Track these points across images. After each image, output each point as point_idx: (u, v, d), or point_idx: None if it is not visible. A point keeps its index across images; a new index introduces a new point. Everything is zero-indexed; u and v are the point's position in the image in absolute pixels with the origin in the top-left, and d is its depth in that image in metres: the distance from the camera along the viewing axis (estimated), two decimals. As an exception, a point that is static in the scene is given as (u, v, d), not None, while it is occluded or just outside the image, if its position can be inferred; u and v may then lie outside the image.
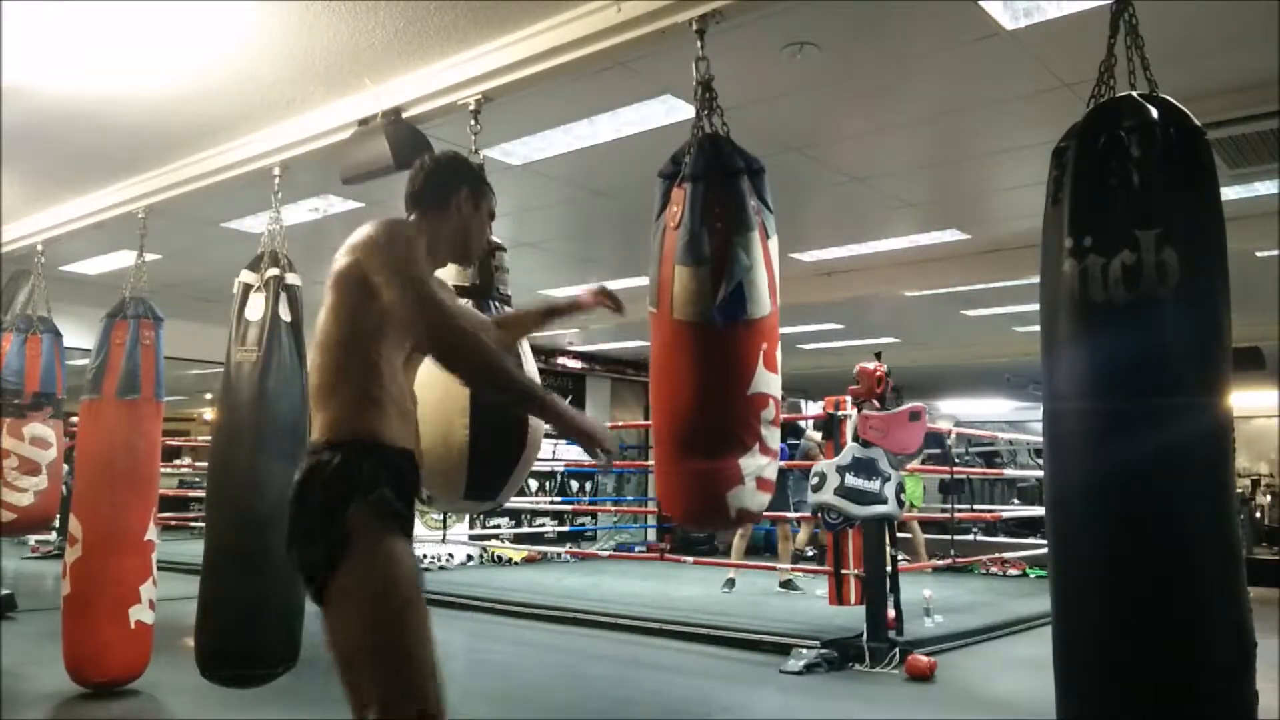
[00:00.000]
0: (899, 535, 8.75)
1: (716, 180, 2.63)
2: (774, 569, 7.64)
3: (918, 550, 8.96)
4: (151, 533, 4.49)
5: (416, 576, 1.92)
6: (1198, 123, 1.98)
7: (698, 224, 2.59)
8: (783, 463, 6.94)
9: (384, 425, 1.96)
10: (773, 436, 2.76)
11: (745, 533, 7.84)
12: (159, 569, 4.56)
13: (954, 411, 12.97)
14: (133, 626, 4.36)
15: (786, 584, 7.58)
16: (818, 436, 6.84)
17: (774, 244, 2.70)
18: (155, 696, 4.44)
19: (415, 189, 2.22)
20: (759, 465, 2.68)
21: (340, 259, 2.01)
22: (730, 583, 7.67)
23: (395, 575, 1.87)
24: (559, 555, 10.55)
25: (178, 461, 12.61)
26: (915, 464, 7.01)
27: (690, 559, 8.05)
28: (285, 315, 3.79)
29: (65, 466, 5.64)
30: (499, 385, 1.99)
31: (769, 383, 2.66)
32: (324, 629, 1.90)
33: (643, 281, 2.76)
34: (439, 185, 2.21)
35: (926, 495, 10.95)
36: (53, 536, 10.41)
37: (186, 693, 4.44)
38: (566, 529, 12.21)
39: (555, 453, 11.30)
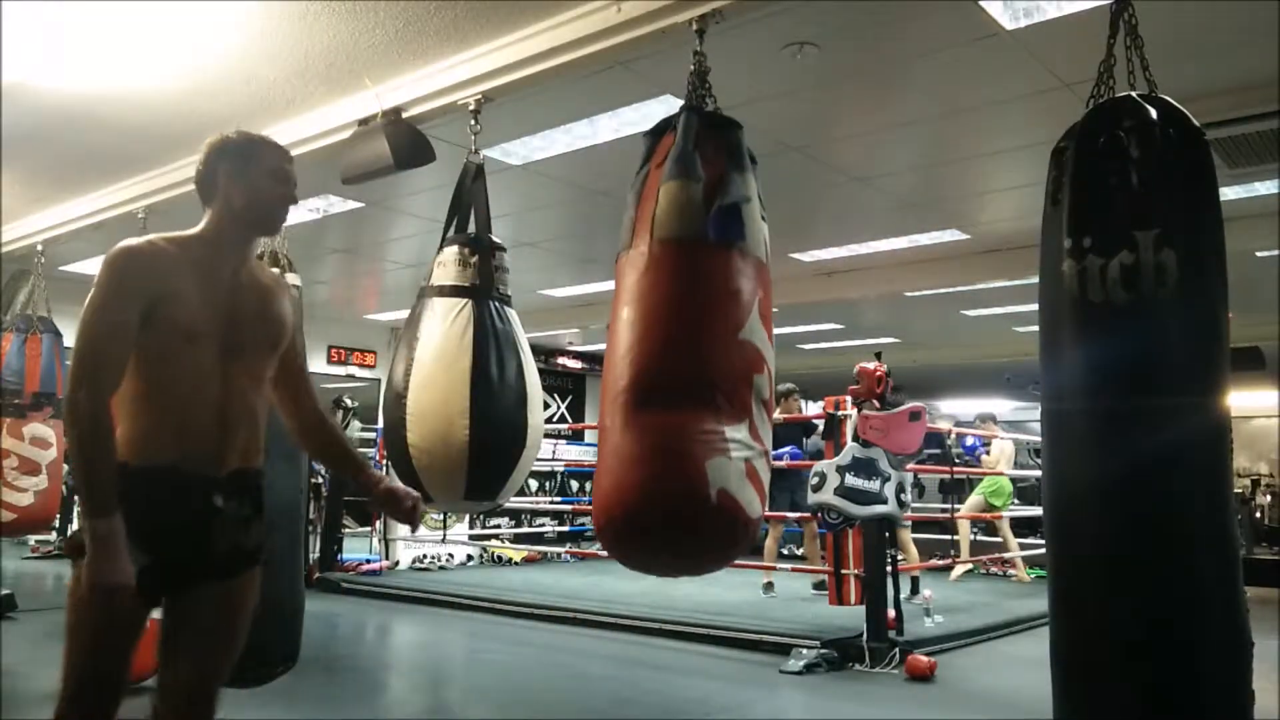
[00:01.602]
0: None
1: (714, 119, 2.36)
2: (774, 569, 7.58)
3: (906, 556, 8.88)
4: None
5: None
6: (1197, 123, 1.98)
7: (691, 146, 2.20)
8: (785, 463, 7.01)
9: None
10: (764, 424, 2.14)
11: (776, 532, 7.51)
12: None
13: (954, 411, 12.96)
14: (146, 625, 4.35)
15: (819, 585, 7.09)
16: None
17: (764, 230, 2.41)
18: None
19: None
20: (747, 445, 2.06)
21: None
22: (769, 586, 7.37)
23: None
24: (559, 555, 10.53)
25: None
26: (926, 463, 6.95)
27: (690, 559, 7.98)
28: (286, 315, 3.79)
29: (65, 466, 5.64)
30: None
31: (763, 339, 2.11)
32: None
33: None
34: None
35: (926, 495, 10.90)
36: (53, 536, 10.41)
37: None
38: (566, 529, 12.19)
39: (555, 453, 11.31)
